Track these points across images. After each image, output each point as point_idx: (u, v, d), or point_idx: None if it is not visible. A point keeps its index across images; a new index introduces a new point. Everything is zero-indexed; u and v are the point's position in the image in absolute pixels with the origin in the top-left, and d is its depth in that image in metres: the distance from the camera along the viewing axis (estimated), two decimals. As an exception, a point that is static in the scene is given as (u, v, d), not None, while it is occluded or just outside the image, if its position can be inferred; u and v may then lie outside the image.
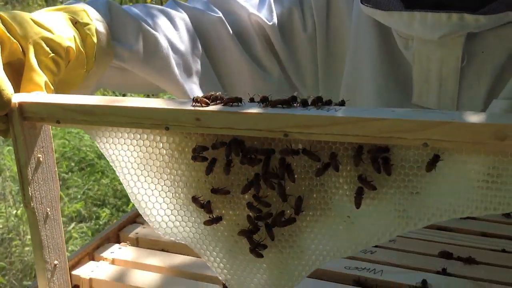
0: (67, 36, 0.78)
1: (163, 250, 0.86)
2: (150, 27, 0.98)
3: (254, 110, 0.62)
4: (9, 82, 0.69)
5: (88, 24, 0.84)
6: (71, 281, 0.82)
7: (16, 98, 0.69)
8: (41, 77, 0.74)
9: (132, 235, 0.90)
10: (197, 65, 1.08)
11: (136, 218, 0.96)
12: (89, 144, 3.67)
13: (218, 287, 0.74)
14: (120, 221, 0.94)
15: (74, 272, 0.83)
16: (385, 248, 0.82)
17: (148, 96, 3.11)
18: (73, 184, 3.38)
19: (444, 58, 1.01)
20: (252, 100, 0.66)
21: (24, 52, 0.74)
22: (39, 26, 0.76)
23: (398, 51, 1.07)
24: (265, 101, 0.63)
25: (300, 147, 0.64)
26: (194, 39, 1.08)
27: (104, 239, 0.90)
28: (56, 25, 0.78)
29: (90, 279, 0.80)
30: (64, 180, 3.43)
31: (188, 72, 1.07)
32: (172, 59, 1.02)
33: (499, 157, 0.58)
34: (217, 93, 0.65)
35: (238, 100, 0.63)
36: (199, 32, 1.09)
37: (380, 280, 0.74)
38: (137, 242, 0.89)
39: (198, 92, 1.08)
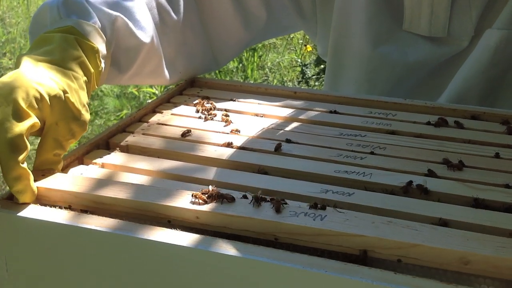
0: (87, 119, 0.78)
1: (153, 156, 0.86)
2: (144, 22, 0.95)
3: (248, 213, 0.67)
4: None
5: (98, 67, 0.84)
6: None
7: None
8: (57, 158, 0.77)
9: (122, 142, 0.90)
10: (186, 32, 1.08)
11: (126, 128, 0.95)
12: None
13: (207, 188, 0.75)
14: (110, 129, 0.93)
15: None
16: (375, 154, 0.86)
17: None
18: (68, 125, 3.39)
19: None
20: (245, 197, 0.71)
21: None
22: (71, 107, 0.75)
23: None
24: (258, 201, 0.68)
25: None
26: None
27: (93, 145, 0.89)
28: (82, 104, 0.77)
29: (80, 181, 0.81)
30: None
31: (176, 43, 1.07)
32: (162, 54, 1.01)
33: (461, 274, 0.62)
34: (213, 190, 0.70)
35: (231, 199, 0.69)
36: None
37: (368, 181, 0.78)
38: (127, 149, 0.90)
39: (179, 67, 1.08)
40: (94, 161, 0.84)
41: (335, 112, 1.01)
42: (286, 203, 0.68)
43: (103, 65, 0.86)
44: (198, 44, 1.12)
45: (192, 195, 0.69)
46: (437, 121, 0.96)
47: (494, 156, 0.85)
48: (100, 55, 0.84)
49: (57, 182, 0.74)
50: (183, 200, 0.69)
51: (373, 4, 1.11)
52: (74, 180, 0.75)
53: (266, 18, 1.18)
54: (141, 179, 0.78)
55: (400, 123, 0.96)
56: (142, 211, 0.70)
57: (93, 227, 0.66)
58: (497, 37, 1.04)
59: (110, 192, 0.72)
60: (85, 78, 0.80)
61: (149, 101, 3.35)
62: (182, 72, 1.10)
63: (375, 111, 1.01)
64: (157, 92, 3.40)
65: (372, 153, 0.86)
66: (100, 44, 0.85)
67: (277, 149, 0.87)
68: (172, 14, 1.04)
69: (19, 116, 0.68)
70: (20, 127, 0.68)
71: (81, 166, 0.83)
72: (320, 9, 1.19)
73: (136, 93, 3.55)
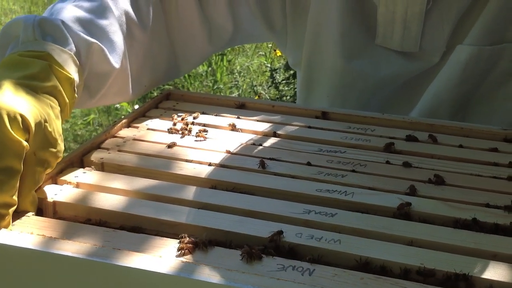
0: (62, 149, 0.76)
1: (130, 175, 0.83)
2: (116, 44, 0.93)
3: (236, 267, 0.63)
4: None
5: (73, 98, 0.82)
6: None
7: None
8: (33, 195, 0.74)
9: (97, 160, 0.86)
10: (153, 44, 1.06)
11: (101, 144, 0.92)
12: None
13: (185, 208, 0.74)
14: (84, 146, 0.89)
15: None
16: (356, 172, 0.85)
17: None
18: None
19: (409, 1, 1.04)
20: (231, 246, 0.67)
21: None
22: (49, 137, 0.73)
23: None
24: (251, 257, 0.64)
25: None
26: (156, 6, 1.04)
27: (67, 163, 0.85)
28: (58, 133, 0.75)
29: (54, 202, 0.77)
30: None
31: (143, 56, 1.04)
32: (129, 72, 0.99)
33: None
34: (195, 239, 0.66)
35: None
36: None
37: (351, 201, 0.77)
38: (102, 167, 0.86)
39: (145, 80, 1.06)
40: (68, 180, 0.81)
41: (313, 127, 1.00)
42: (255, 252, 0.65)
43: (76, 95, 0.83)
44: (163, 55, 1.10)
45: (178, 249, 0.66)
46: (413, 137, 0.96)
47: (474, 174, 0.86)
48: (75, 84, 0.82)
49: (30, 225, 0.70)
50: (168, 250, 0.66)
51: (347, 19, 1.11)
52: (48, 224, 0.71)
53: (233, 29, 1.17)
54: (118, 202, 0.76)
55: (379, 139, 0.96)
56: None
57: (68, 253, 0.63)
58: (467, 53, 1.05)
59: (89, 239, 0.67)
60: (59, 108, 0.78)
61: (118, 106, 3.30)
62: (147, 85, 1.08)
63: (354, 126, 1.00)
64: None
65: (353, 170, 0.85)
66: (74, 73, 0.82)
67: (263, 166, 0.85)
68: (141, 27, 1.01)
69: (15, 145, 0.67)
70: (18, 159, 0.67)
71: (55, 186, 0.80)
72: (291, 22, 1.18)
73: (104, 97, 3.48)
